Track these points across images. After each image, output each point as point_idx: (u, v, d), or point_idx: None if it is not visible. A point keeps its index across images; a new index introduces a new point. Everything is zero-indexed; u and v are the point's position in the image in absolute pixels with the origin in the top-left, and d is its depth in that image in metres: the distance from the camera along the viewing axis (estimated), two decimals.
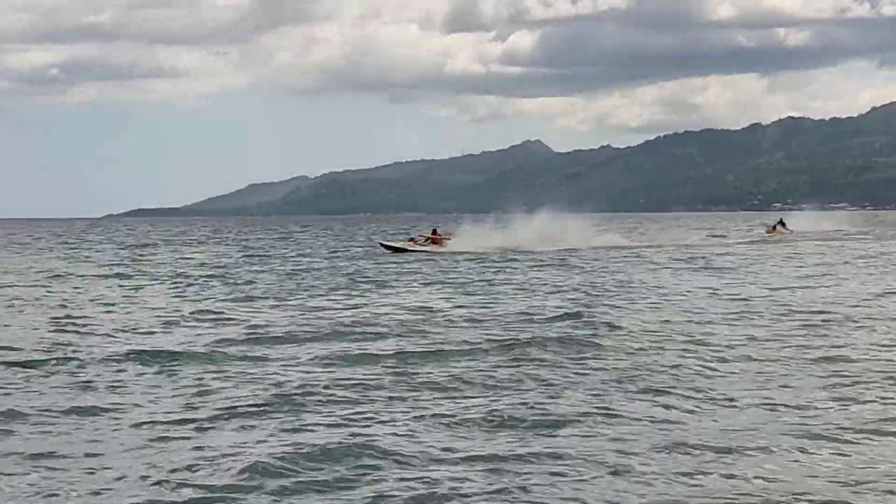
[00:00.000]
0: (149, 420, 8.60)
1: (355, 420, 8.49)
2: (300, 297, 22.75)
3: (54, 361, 12.09)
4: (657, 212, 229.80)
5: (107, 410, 9.09)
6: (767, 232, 62.25)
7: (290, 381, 10.55)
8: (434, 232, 44.72)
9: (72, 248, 57.35)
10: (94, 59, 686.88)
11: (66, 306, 20.19)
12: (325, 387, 10.10)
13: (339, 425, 8.23)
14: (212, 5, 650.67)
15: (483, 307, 19.40)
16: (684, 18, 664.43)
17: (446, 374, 10.94)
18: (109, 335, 15.29)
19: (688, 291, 22.88)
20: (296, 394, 9.70)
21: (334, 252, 49.12)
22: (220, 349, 13.18)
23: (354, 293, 23.52)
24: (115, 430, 8.29)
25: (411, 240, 44.33)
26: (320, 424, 8.29)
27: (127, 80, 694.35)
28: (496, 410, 8.70)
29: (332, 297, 22.32)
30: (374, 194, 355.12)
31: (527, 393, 9.82)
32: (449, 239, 43.46)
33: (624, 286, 24.77)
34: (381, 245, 46.11)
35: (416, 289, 24.77)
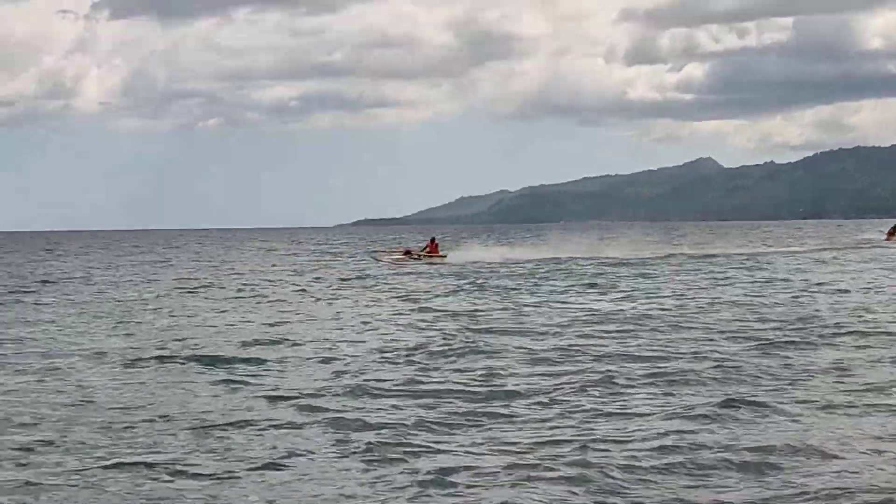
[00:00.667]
0: None
1: None
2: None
3: None
4: (815, 219, 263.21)
5: None
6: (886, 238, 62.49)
7: None
8: (432, 241, 43.45)
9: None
10: (327, 92, 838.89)
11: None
12: None
13: None
14: (428, 45, 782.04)
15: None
16: (839, 49, 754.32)
17: None
18: None
19: None
20: None
21: None
22: None
23: None
24: None
25: (407, 252, 42.62)
26: None
27: (356, 110, 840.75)
28: None
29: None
30: (568, 205, 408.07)
31: None
32: (444, 255, 42.29)
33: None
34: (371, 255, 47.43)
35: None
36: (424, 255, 41.48)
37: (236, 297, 25.85)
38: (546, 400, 9.43)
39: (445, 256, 42.37)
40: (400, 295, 25.96)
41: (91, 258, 58.73)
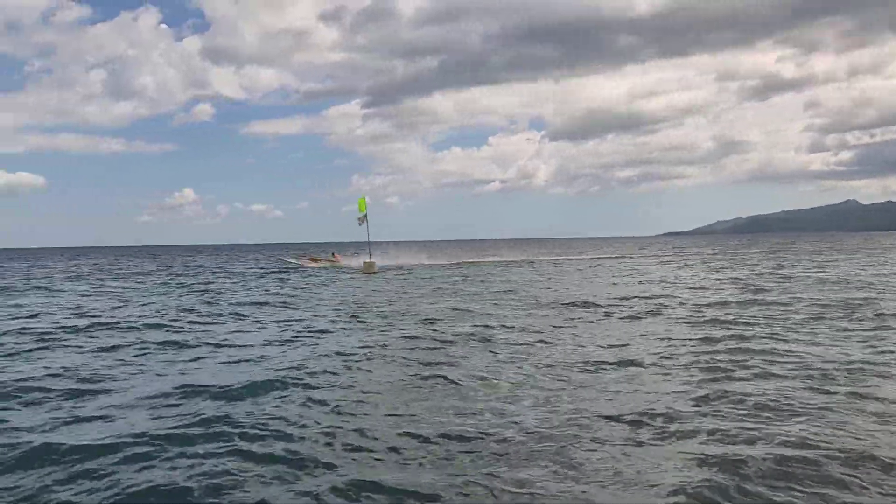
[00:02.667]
0: None
1: None
2: None
3: None
4: None
5: None
6: None
7: None
8: (333, 254, 51.31)
9: None
10: None
11: None
12: None
13: None
14: None
15: None
16: None
17: None
18: None
19: None
20: None
21: None
22: None
23: None
24: None
25: (313, 258, 50.55)
26: None
27: None
28: None
29: None
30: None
31: None
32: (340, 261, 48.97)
33: None
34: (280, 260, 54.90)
35: None
36: (326, 261, 48.95)
37: None
38: None
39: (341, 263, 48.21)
40: None
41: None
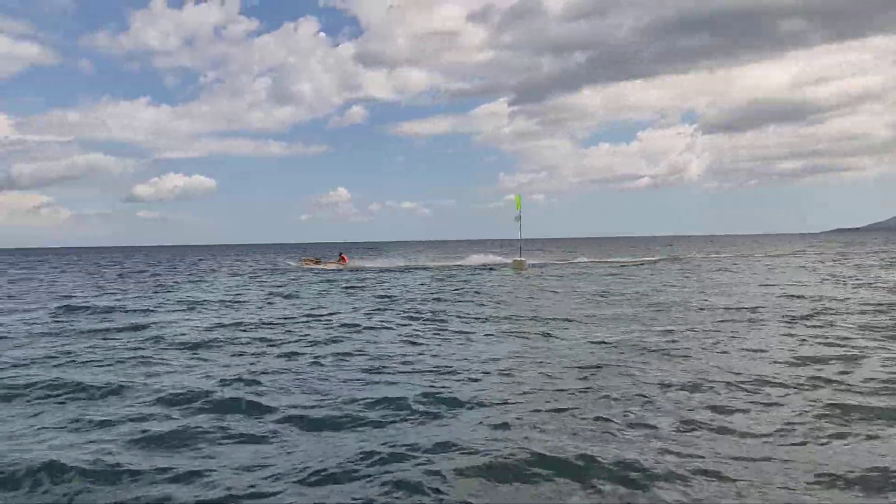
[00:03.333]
0: None
1: None
2: None
3: None
4: None
5: None
6: None
7: None
8: (341, 255, 52.78)
9: None
10: None
11: None
12: None
13: None
14: None
15: None
16: None
17: None
18: None
19: None
20: None
21: None
22: None
23: None
24: None
25: (317, 260, 52.88)
26: None
27: None
28: None
29: None
30: None
31: None
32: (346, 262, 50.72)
33: None
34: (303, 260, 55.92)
35: None
36: (329, 263, 50.31)
37: None
38: None
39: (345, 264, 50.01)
40: None
41: None
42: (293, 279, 36.50)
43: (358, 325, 16.16)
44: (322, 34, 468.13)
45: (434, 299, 22.87)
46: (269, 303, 23.21)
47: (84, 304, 22.51)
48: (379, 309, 20.29)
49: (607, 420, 7.51)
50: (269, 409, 8.26)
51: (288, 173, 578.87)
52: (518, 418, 7.64)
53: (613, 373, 10.02)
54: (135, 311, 20.73)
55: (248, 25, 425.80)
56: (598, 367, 10.47)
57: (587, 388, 9.13)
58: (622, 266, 44.03)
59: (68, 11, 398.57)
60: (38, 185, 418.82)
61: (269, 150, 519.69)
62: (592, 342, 12.86)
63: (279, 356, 12.18)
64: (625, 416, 7.71)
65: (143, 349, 13.13)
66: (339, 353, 12.26)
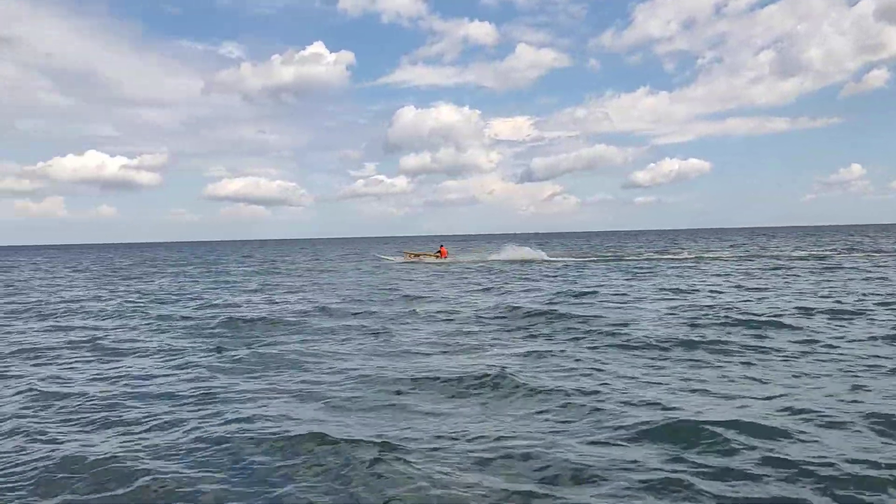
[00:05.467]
0: None
1: None
2: None
3: None
4: None
5: None
6: None
7: None
8: (441, 248, 52.96)
9: None
10: None
11: None
12: None
13: None
14: None
15: None
16: None
17: None
18: None
19: None
20: None
21: None
22: None
23: None
24: None
25: (418, 254, 52.01)
26: None
27: None
28: None
29: None
30: None
31: None
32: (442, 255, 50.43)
33: None
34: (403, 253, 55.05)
35: None
36: (429, 257, 50.35)
37: None
38: None
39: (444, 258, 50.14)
40: None
41: None
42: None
43: None
44: None
45: None
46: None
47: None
48: None
49: None
50: None
51: (790, 151, 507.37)
52: None
53: None
54: None
55: None
56: None
57: None
58: None
59: (580, 17, 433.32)
60: (552, 175, 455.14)
61: (771, 126, 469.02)
62: None
63: None
64: None
65: None
66: None
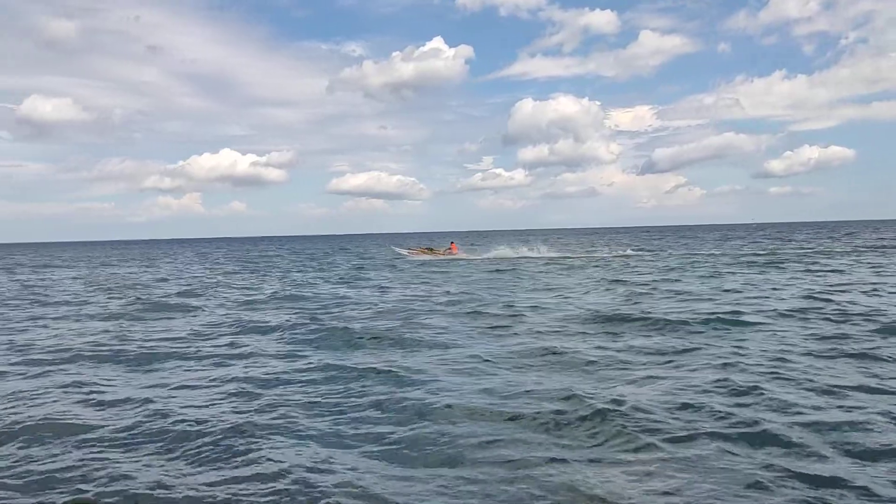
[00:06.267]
0: None
1: None
2: None
3: None
4: None
5: None
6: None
7: None
8: (451, 244, 54.28)
9: None
10: None
11: None
12: None
13: None
14: None
15: None
16: None
17: None
18: None
19: None
20: None
21: None
22: None
23: None
24: None
25: (430, 249, 52.06)
26: None
27: None
28: None
29: None
30: None
31: None
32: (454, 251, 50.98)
33: None
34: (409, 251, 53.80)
35: None
36: (441, 253, 50.31)
37: None
38: None
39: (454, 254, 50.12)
40: None
41: None
42: None
43: None
44: None
45: None
46: None
47: None
48: None
49: None
50: None
51: None
52: None
53: None
54: None
55: None
56: None
57: None
58: None
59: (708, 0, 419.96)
60: (675, 167, 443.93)
61: None
62: None
63: None
64: None
65: None
66: None
